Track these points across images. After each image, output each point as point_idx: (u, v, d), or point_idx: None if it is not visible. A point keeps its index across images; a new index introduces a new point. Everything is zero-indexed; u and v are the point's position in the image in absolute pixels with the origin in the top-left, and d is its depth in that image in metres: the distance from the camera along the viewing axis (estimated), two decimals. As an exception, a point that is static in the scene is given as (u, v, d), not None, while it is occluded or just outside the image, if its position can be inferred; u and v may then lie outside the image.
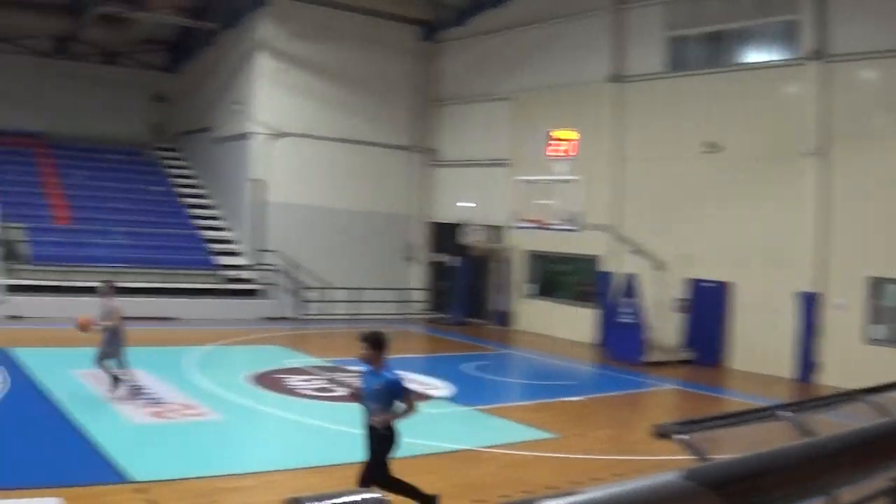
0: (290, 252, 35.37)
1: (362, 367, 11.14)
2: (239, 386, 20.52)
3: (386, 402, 10.64)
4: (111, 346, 18.48)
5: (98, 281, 31.78)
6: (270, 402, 19.06)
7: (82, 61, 42.25)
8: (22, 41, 40.84)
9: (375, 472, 10.74)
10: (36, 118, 40.10)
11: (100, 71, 42.41)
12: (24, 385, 19.23)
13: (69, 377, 20.08)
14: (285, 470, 13.66)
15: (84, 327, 18.65)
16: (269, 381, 21.35)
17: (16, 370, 20.68)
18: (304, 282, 35.03)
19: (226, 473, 13.46)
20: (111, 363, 18.55)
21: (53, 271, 32.01)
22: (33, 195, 36.42)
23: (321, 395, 19.77)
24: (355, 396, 11.19)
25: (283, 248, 35.44)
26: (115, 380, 18.51)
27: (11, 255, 32.35)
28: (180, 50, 43.31)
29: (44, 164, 38.88)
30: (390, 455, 10.80)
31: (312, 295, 34.75)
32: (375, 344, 10.70)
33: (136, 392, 18.70)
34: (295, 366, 23.78)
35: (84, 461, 13.91)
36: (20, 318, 30.02)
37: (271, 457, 14.96)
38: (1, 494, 11.76)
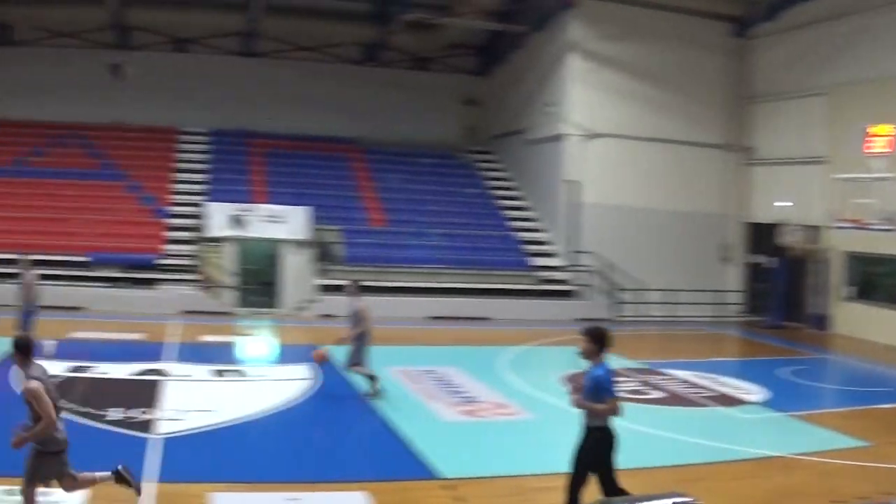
0: (604, 253, 35.17)
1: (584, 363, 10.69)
2: (551, 386, 20.45)
3: (594, 398, 10.23)
4: (359, 348, 18.60)
5: (406, 281, 33.06)
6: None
7: (392, 67, 43.55)
8: (332, 50, 42.43)
9: (582, 473, 10.37)
10: (349, 124, 41.61)
11: (410, 76, 43.56)
12: (337, 381, 19.79)
13: (382, 374, 20.47)
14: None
15: (320, 360, 18.80)
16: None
17: (328, 367, 21.28)
18: (618, 283, 34.85)
19: (534, 473, 13.45)
20: (362, 364, 18.72)
21: (367, 272, 32.91)
22: (348, 198, 37.78)
23: (634, 398, 19.32)
24: (577, 390, 10.76)
25: (597, 249, 35.26)
26: (372, 378, 18.73)
27: (326, 257, 33.49)
28: (490, 53, 43.88)
29: (358, 168, 40.22)
30: (608, 457, 10.35)
31: (627, 296, 34.55)
32: (594, 338, 10.28)
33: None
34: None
35: (393, 456, 14.24)
36: (333, 316, 31.01)
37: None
38: (310, 487, 12.20)
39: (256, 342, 26.76)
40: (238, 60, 42.01)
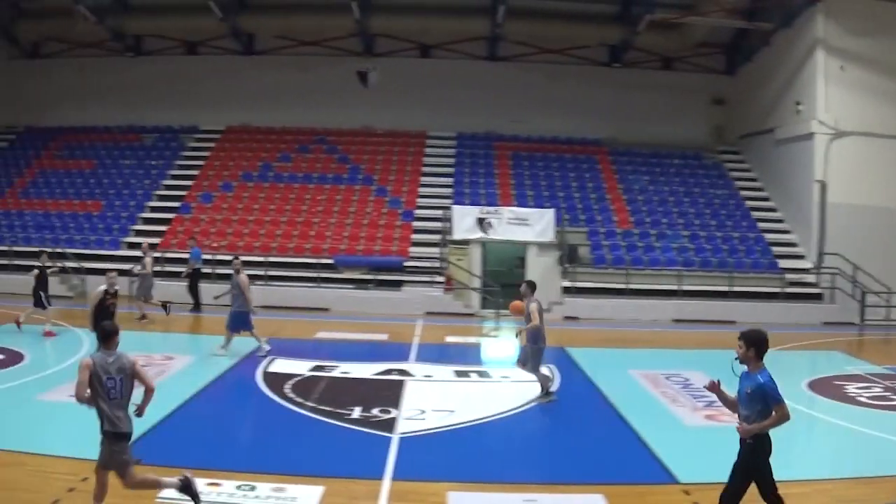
0: (852, 255, 33.66)
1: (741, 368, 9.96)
2: (796, 391, 19.65)
3: (755, 408, 9.56)
4: (532, 347, 18.12)
5: (652, 283, 32.62)
6: (826, 408, 18.08)
7: (638, 68, 42.80)
8: (577, 52, 42.13)
9: (738, 485, 9.78)
10: (595, 126, 41.33)
11: (656, 77, 42.74)
12: (578, 383, 19.56)
13: (624, 377, 20.23)
14: (835, 479, 12.84)
15: (517, 311, 18.57)
16: (827, 387, 20.31)
17: (570, 368, 21.09)
18: (867, 286, 33.36)
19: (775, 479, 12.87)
20: (534, 364, 18.18)
21: (613, 274, 32.61)
22: (595, 200, 37.46)
23: (879, 404, 18.44)
24: (714, 387, 10.14)
25: (845, 251, 33.79)
26: (547, 391, 18.10)
27: (572, 258, 33.23)
28: (737, 52, 42.67)
29: (604, 169, 39.86)
30: (764, 465, 9.72)
31: (875, 300, 33.06)
32: (751, 343, 9.60)
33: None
34: (854, 372, 22.49)
35: (631, 459, 13.84)
36: (577, 318, 30.80)
37: (822, 464, 14.14)
38: (548, 489, 12.02)
39: (499, 344, 26.69)
40: (483, 64, 42.28)
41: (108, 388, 9.87)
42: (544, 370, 18.34)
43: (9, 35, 43.19)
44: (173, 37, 43.07)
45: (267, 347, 21.67)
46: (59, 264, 28.17)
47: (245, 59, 42.87)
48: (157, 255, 30.74)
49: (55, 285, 29.71)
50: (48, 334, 23.06)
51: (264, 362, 20.63)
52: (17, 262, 31.01)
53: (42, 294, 24.35)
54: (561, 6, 39.49)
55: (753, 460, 9.64)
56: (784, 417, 9.50)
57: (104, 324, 10.43)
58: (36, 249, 29.84)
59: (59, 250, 32.66)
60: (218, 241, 33.30)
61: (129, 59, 43.42)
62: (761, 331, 9.75)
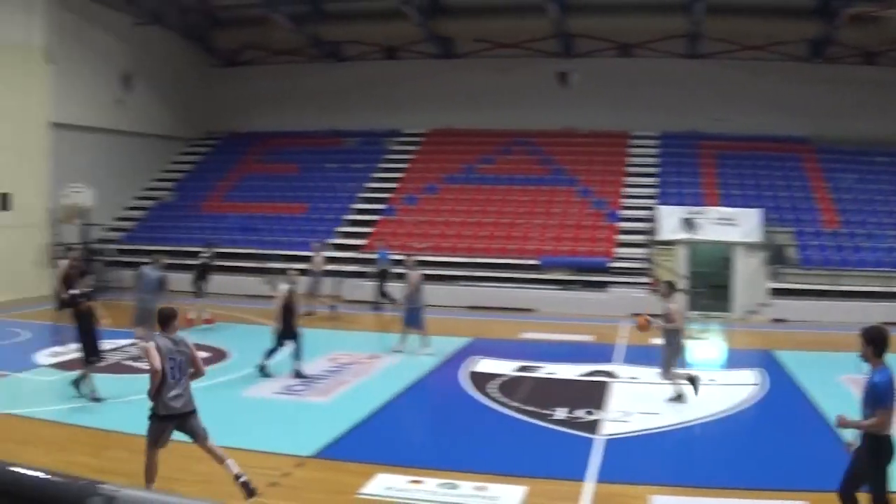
0: None
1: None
2: None
3: (871, 406, 9.28)
4: (670, 349, 17.73)
5: (860, 285, 31.73)
6: None
7: (840, 63, 41.42)
8: (778, 47, 41.10)
9: (850, 485, 9.59)
10: (800, 123, 40.11)
11: (858, 72, 41.17)
12: (786, 387, 19.26)
13: (833, 381, 19.68)
14: None
15: (643, 327, 18.21)
16: None
17: (777, 372, 20.77)
18: None
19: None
20: (675, 367, 17.79)
21: (821, 275, 31.82)
22: (801, 199, 36.56)
23: None
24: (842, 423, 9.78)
25: None
26: (693, 381, 17.52)
27: (779, 260, 32.63)
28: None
29: (811, 168, 38.87)
30: (873, 472, 9.36)
31: None
32: (870, 340, 9.40)
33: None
34: None
35: (838, 466, 13.44)
36: (784, 321, 30.21)
37: None
38: (751, 494, 11.93)
39: (705, 346, 26.42)
40: (683, 62, 41.74)
41: (168, 370, 10.53)
42: (687, 371, 18.05)
43: (206, 44, 45.19)
44: (371, 42, 44.02)
45: (430, 352, 22.06)
46: (216, 262, 29.32)
47: (444, 62, 43.46)
48: (352, 255, 31.32)
49: (258, 286, 30.81)
50: (207, 321, 25.30)
51: (469, 362, 20.92)
52: (222, 264, 31.79)
53: (200, 283, 25.91)
54: (759, 1, 38.69)
55: (868, 461, 9.41)
56: (883, 424, 9.23)
57: (162, 308, 11.17)
58: (241, 251, 31.18)
59: (263, 252, 34.02)
60: (423, 243, 33.75)
61: (327, 65, 44.67)
62: (881, 327, 9.60)
